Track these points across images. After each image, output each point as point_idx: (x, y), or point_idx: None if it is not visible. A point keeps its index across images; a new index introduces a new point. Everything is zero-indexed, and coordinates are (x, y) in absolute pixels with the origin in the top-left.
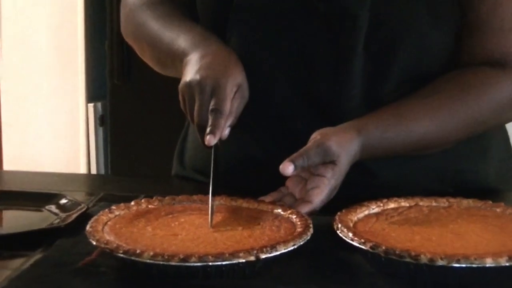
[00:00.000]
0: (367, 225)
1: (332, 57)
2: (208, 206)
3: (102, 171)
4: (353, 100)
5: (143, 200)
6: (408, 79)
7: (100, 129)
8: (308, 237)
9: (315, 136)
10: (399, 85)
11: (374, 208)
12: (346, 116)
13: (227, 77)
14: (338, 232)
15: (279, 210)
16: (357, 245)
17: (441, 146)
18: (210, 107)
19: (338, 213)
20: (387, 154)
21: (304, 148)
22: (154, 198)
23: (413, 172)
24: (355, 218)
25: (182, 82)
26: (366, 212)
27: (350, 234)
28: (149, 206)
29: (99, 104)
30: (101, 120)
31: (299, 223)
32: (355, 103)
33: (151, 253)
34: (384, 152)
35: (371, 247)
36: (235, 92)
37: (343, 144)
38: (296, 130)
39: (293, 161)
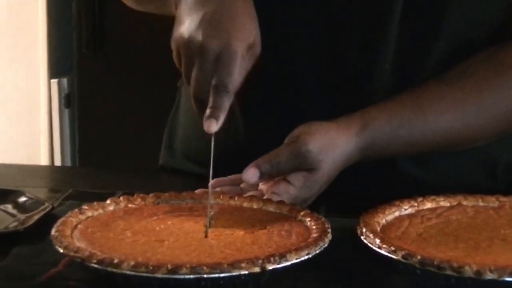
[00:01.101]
0: (398, 230)
1: (364, 21)
2: (206, 206)
3: (69, 163)
4: (384, 75)
5: (121, 198)
6: (451, 56)
7: (66, 111)
8: (326, 244)
9: (294, 135)
10: (439, 62)
11: (406, 208)
12: (374, 95)
13: (237, 39)
14: (362, 238)
15: (289, 212)
16: (386, 254)
17: (468, 145)
18: (214, 82)
19: (363, 215)
20: (398, 154)
21: (276, 150)
22: (135, 195)
23: (454, 165)
24: (383, 221)
25: (176, 34)
26: (397, 214)
27: (378, 241)
28: (129, 205)
29: (64, 80)
30: (67, 100)
31: (314, 227)
32: (386, 80)
33: (132, 263)
34: (395, 152)
35: (403, 257)
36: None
37: (327, 150)
38: (316, 108)
39: (259, 166)
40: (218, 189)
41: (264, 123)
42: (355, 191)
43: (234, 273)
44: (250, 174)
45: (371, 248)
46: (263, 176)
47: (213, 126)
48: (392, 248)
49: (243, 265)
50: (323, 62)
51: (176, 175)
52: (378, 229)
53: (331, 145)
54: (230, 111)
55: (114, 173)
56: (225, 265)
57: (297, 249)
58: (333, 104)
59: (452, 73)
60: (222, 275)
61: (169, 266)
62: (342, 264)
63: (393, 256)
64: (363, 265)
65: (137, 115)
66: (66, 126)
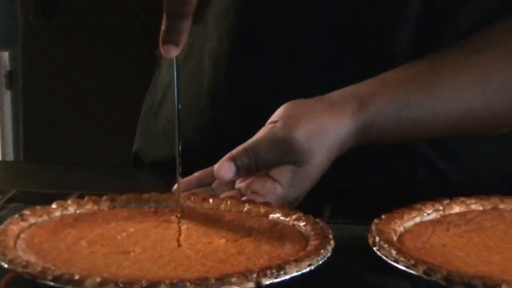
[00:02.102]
0: (419, 239)
1: None
2: (174, 209)
3: (11, 157)
4: (403, 40)
5: (69, 202)
6: (479, 24)
7: (8, 93)
8: (329, 253)
9: (276, 119)
10: (465, 31)
11: (430, 212)
12: (388, 63)
13: None
14: (375, 249)
15: (278, 215)
16: (404, 268)
17: (488, 131)
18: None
19: (376, 221)
20: (401, 140)
21: (254, 139)
22: (85, 198)
23: (490, 157)
24: (401, 229)
25: None
26: (418, 219)
27: (394, 252)
28: (79, 210)
29: (5, 55)
30: (8, 79)
31: (312, 233)
32: (404, 45)
33: (98, 280)
34: (398, 137)
35: (425, 272)
36: None
37: (317, 137)
38: (325, 76)
39: (234, 159)
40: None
41: (260, 96)
42: (366, 189)
43: None
44: (225, 169)
45: (386, 262)
46: (240, 171)
47: (171, 50)
48: (412, 262)
49: (233, 279)
50: (332, 19)
51: (153, 168)
52: (395, 238)
53: (322, 130)
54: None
55: (69, 169)
56: (212, 280)
57: (297, 260)
58: (344, 70)
59: (473, 42)
60: None
61: (144, 283)
62: (350, 281)
63: (413, 272)
64: (376, 282)
65: (100, 97)
66: (7, 111)
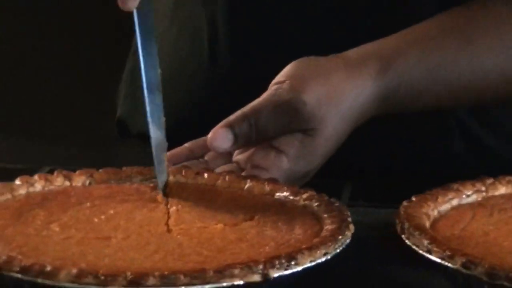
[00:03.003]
0: (456, 226)
1: None
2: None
3: None
4: None
5: (36, 177)
6: None
7: None
8: (348, 240)
9: (282, 79)
10: None
11: (470, 194)
12: (408, 23)
13: None
14: (403, 237)
15: (286, 193)
16: (439, 260)
17: None
18: None
19: (404, 203)
20: (432, 107)
21: (256, 103)
22: (55, 172)
23: None
24: (435, 213)
25: None
26: (456, 202)
27: (426, 241)
28: (48, 187)
29: None
30: None
31: (326, 215)
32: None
33: (74, 271)
34: (427, 104)
35: (464, 265)
36: None
37: (330, 101)
38: (336, 31)
39: (231, 126)
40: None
41: (262, 50)
42: (392, 166)
43: (224, 284)
44: (220, 137)
45: (417, 252)
46: (238, 140)
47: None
48: (448, 253)
49: (236, 272)
50: None
51: (141, 139)
52: (428, 224)
53: (336, 94)
54: None
55: (37, 140)
56: (211, 272)
57: (311, 248)
58: (357, 24)
59: None
60: (207, 286)
61: (129, 275)
62: (373, 275)
63: (449, 265)
64: (404, 276)
65: (71, 51)
66: None
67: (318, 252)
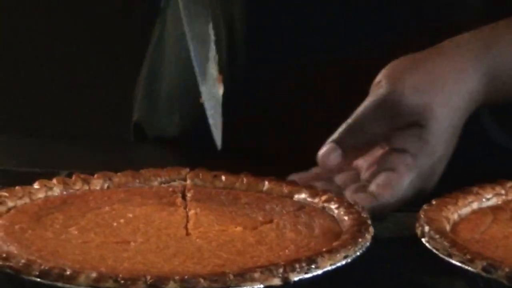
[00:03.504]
0: (476, 229)
1: None
2: (178, 188)
3: None
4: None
5: (54, 181)
6: None
7: None
8: (368, 243)
9: (378, 80)
10: None
11: (490, 197)
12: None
13: None
14: (423, 240)
15: (305, 195)
16: (459, 264)
17: None
18: None
19: (425, 207)
20: None
21: (358, 109)
22: (73, 176)
23: None
24: (455, 216)
25: None
26: (476, 205)
27: (447, 245)
28: (66, 191)
29: None
30: None
31: (346, 217)
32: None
33: (94, 275)
34: None
35: (484, 269)
36: None
37: (429, 87)
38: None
39: (338, 142)
40: None
41: (280, 50)
42: None
43: (243, 287)
44: (329, 156)
45: (437, 256)
46: (348, 154)
47: None
48: (468, 256)
49: (256, 275)
50: None
51: (157, 143)
52: (448, 228)
53: (436, 79)
54: None
55: (56, 143)
56: (231, 276)
57: (331, 251)
58: (376, 25)
59: None
60: None
61: (149, 279)
62: (393, 279)
63: (470, 268)
64: (424, 280)
65: (88, 55)
66: None
67: (338, 255)
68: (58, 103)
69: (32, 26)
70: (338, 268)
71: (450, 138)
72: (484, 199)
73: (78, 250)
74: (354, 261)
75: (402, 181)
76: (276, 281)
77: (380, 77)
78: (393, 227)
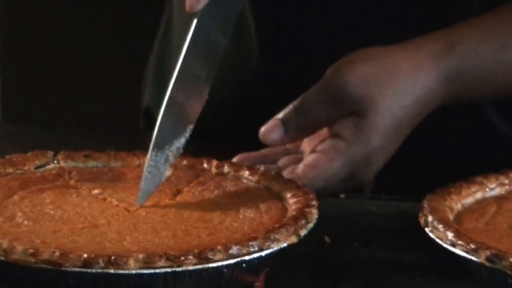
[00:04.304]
0: (480, 219)
1: None
2: (63, 171)
3: None
4: None
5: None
6: None
7: None
8: (312, 224)
9: (333, 66)
10: None
11: (493, 187)
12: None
13: None
14: (427, 230)
15: (245, 172)
16: (463, 254)
17: None
18: None
19: (428, 196)
20: (499, 92)
21: (305, 93)
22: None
23: None
24: (459, 206)
25: None
26: (480, 195)
27: (450, 235)
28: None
29: None
30: None
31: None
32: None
33: (85, 256)
34: (494, 88)
35: (488, 259)
36: None
37: (378, 80)
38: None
39: (282, 120)
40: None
41: (292, 44)
42: (415, 158)
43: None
44: (271, 132)
45: (441, 246)
46: (290, 132)
47: (195, 3)
48: (472, 246)
49: (277, 236)
50: None
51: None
52: (451, 217)
53: (388, 72)
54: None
55: (66, 132)
56: (234, 249)
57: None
58: (391, 23)
59: None
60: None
61: (140, 256)
62: (397, 268)
63: (474, 258)
64: (428, 268)
65: (93, 44)
66: None
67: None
68: (68, 93)
69: (43, 14)
70: (342, 255)
71: (391, 132)
72: (488, 189)
73: (49, 237)
74: (357, 250)
75: (329, 164)
76: (293, 239)
77: (336, 63)
78: (397, 216)
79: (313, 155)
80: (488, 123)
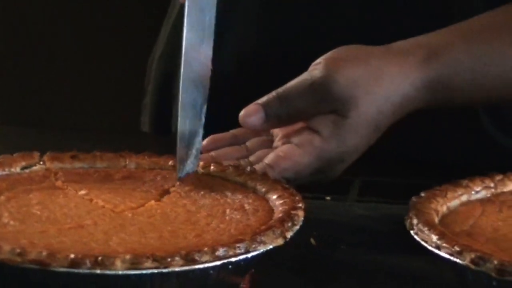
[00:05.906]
0: (465, 222)
1: None
2: (50, 171)
3: None
4: None
5: None
6: None
7: None
8: (298, 226)
9: (319, 61)
10: None
11: (478, 190)
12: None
13: None
14: (412, 232)
15: (232, 173)
16: (447, 256)
17: None
18: None
19: (414, 199)
20: (477, 100)
21: (289, 83)
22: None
23: None
24: (444, 209)
25: None
26: (465, 198)
27: (435, 237)
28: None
29: None
30: None
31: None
32: None
33: (72, 256)
34: (475, 97)
35: (473, 261)
36: None
37: (365, 82)
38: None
39: (263, 105)
40: (212, 153)
41: (289, 29)
42: (401, 159)
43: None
44: (252, 114)
45: (426, 248)
46: (269, 119)
47: None
48: (457, 249)
49: (262, 238)
50: None
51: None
52: (436, 220)
53: (374, 77)
54: None
55: (66, 135)
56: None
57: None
58: (392, 23)
59: None
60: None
61: (128, 256)
62: (383, 271)
63: (459, 261)
64: (413, 272)
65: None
66: None
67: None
68: (68, 96)
69: (42, 15)
70: (327, 257)
71: (367, 134)
72: (473, 192)
73: (36, 238)
74: (343, 252)
75: (302, 158)
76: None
77: (320, 59)
78: (382, 219)
79: (287, 146)
80: (478, 127)
